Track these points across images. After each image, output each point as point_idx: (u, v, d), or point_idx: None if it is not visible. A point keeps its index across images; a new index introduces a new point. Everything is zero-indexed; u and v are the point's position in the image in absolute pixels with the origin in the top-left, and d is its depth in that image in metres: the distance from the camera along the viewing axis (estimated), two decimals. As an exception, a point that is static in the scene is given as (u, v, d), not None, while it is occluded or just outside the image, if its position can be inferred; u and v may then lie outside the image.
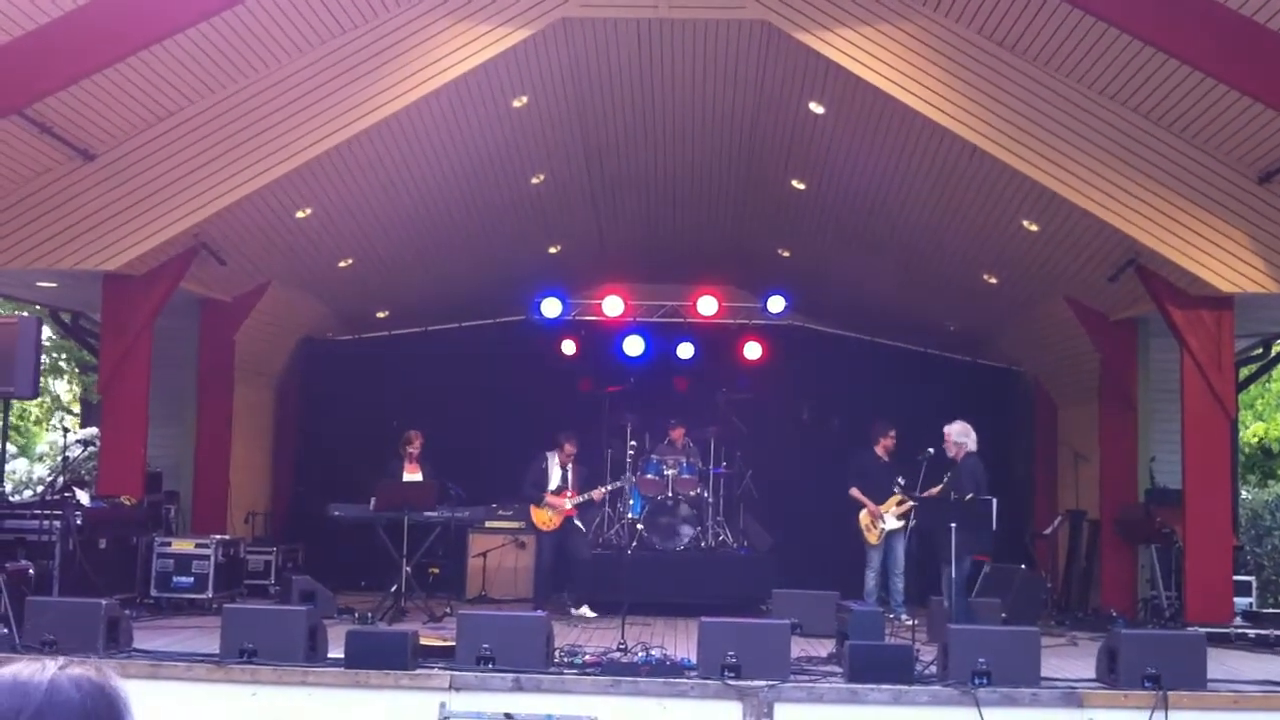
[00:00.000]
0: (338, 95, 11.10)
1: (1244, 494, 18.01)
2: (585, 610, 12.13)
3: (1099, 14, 9.89)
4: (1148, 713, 7.84)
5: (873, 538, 12.19)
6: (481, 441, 15.09)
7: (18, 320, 9.76)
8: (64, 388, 22.17)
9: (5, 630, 8.56)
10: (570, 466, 12.75)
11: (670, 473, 13.68)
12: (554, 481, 12.65)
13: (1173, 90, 10.47)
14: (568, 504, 12.55)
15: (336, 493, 12.55)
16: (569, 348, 15.80)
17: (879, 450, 12.67)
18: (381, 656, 8.13)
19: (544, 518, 12.56)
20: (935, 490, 11.14)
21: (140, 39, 10.04)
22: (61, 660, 1.91)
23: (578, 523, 12.68)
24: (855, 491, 12.39)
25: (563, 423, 13.60)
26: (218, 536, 12.19)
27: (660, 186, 14.85)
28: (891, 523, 12.18)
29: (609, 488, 13.20)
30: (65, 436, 13.46)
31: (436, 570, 13.45)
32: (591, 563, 12.61)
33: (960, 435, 11.08)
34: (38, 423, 22.58)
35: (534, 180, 14.05)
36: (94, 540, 10.83)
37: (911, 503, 11.94)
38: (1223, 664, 9.27)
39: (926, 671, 8.41)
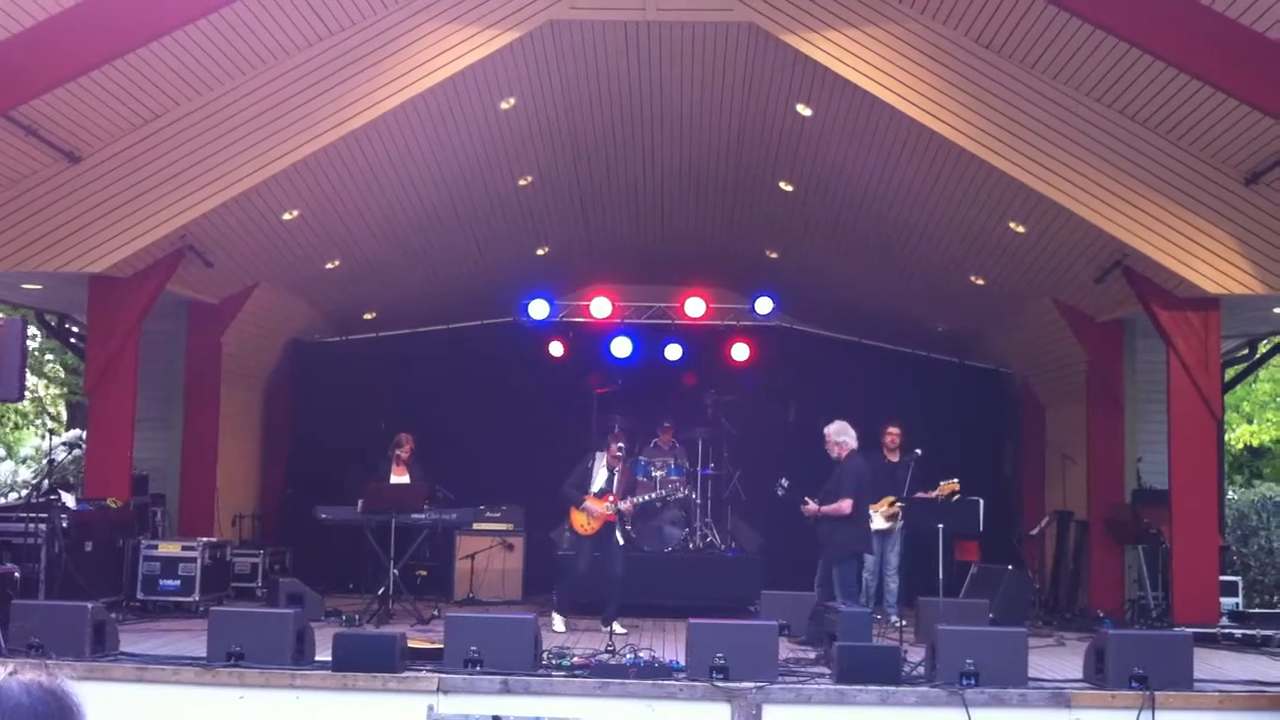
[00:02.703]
0: (325, 97, 11.08)
1: (1230, 494, 18.06)
2: (557, 620, 11.35)
3: (1085, 16, 9.92)
4: (1135, 713, 7.86)
5: None
6: (470, 443, 15.09)
7: (3, 322, 9.70)
8: (45, 389, 22.04)
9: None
10: (618, 469, 11.83)
11: (658, 474, 13.66)
12: (598, 484, 11.71)
13: (1159, 92, 10.51)
14: (606, 508, 11.60)
15: (325, 495, 12.52)
16: (557, 349, 15.79)
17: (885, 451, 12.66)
18: (369, 659, 8.11)
19: (580, 521, 11.64)
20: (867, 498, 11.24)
21: (127, 42, 10.01)
22: (13, 665, 1.91)
23: (618, 532, 11.69)
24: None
25: (552, 423, 13.57)
26: (204, 539, 12.16)
27: (648, 188, 14.85)
28: (879, 523, 12.17)
29: (639, 499, 12.44)
30: (50, 439, 13.37)
31: (424, 572, 13.41)
32: (621, 579, 11.59)
33: (838, 434, 11.09)
34: (17, 427, 22.44)
35: (522, 182, 14.04)
36: (80, 543, 10.79)
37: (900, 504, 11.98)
38: (1209, 664, 9.30)
39: (914, 672, 8.42)
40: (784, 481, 11.30)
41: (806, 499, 10.97)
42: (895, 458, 12.43)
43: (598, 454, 11.90)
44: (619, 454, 11.85)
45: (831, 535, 10.76)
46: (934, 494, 11.68)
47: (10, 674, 1.89)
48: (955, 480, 11.68)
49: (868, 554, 12.00)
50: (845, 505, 10.67)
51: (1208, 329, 11.49)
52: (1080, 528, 13.86)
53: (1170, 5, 9.62)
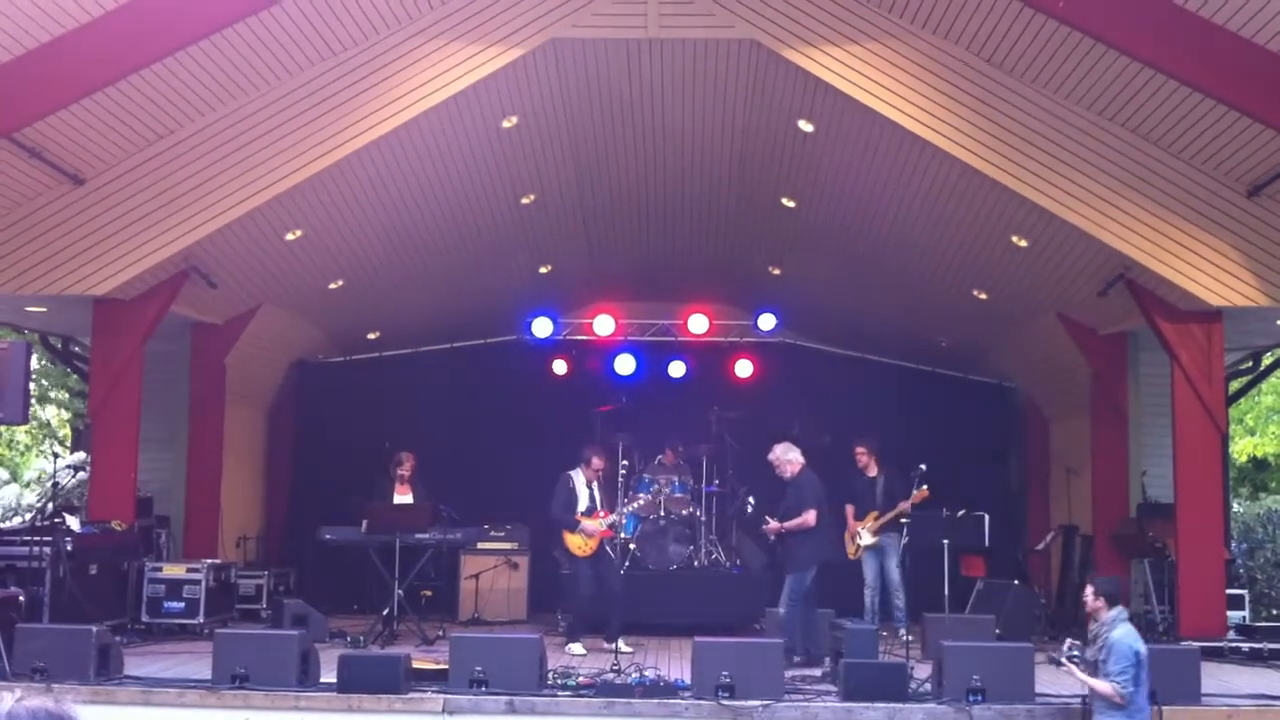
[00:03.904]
0: (328, 117, 11.11)
1: (1236, 507, 18.03)
2: (577, 647, 11.24)
3: (1086, 30, 9.94)
4: (1143, 728, 7.82)
5: (850, 551, 12.23)
6: (474, 462, 15.07)
7: (7, 345, 9.72)
8: (53, 412, 22.04)
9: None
10: (597, 484, 11.79)
11: (662, 491, 13.65)
12: (583, 502, 11.59)
13: (1160, 105, 10.52)
14: (602, 525, 11.54)
15: (329, 516, 12.51)
16: (560, 367, 15.80)
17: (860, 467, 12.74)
18: (374, 680, 8.11)
19: (579, 543, 11.45)
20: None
21: (130, 63, 10.06)
22: (19, 691, 1.91)
23: (608, 548, 11.61)
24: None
25: (556, 442, 13.51)
26: (209, 561, 12.16)
27: (650, 205, 14.86)
28: (866, 538, 12.18)
29: (630, 508, 12.50)
30: (55, 462, 13.37)
31: (429, 593, 13.39)
32: (623, 593, 11.57)
33: (785, 454, 11.25)
34: (25, 450, 22.45)
35: (524, 200, 14.06)
36: (84, 566, 10.79)
37: (895, 518, 11.96)
38: (1216, 678, 9.27)
39: (921, 689, 8.40)
40: (750, 500, 11.42)
41: (768, 518, 11.09)
42: (872, 473, 12.48)
43: (571, 473, 11.77)
44: (598, 471, 11.79)
45: (798, 549, 10.90)
46: (907, 503, 11.69)
47: (18, 700, 1.89)
48: (924, 487, 11.69)
49: (866, 571, 12.08)
50: (810, 517, 10.87)
51: (1211, 341, 11.48)
52: (1085, 542, 13.83)
53: (1171, 19, 9.64)
